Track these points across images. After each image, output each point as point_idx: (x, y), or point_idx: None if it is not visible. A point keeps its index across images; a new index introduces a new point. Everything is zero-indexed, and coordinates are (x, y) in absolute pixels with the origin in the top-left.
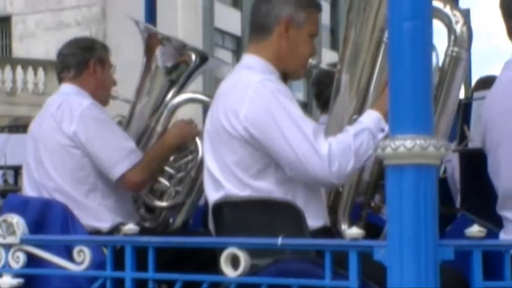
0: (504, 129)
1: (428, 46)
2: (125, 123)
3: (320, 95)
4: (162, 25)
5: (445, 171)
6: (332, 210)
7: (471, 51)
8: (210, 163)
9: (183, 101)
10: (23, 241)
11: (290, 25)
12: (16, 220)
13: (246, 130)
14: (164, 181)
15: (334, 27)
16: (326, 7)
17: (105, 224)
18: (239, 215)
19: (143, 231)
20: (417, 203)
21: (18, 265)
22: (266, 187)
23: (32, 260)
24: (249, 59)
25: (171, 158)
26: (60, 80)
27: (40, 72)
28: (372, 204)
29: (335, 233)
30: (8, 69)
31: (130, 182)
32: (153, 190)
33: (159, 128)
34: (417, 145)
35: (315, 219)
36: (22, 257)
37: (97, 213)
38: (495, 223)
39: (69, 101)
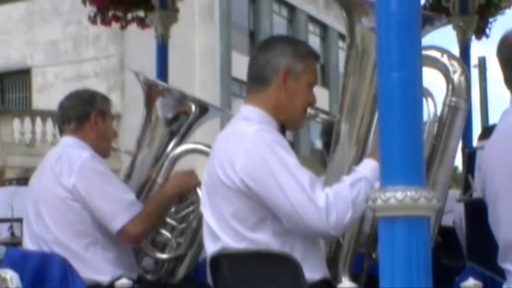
0: (502, 181)
1: (417, 96)
2: (126, 175)
3: (329, 145)
4: (179, 74)
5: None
6: (333, 262)
7: (471, 100)
8: (207, 215)
9: (184, 152)
10: None
11: (288, 76)
12: (10, 276)
13: (242, 181)
14: (165, 232)
15: (325, 64)
16: (316, 41)
17: (105, 277)
18: (236, 267)
19: (145, 284)
20: (409, 256)
21: None
22: (263, 239)
23: None
24: (247, 109)
25: (172, 209)
26: (61, 132)
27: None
28: (374, 256)
29: (334, 286)
30: (27, 121)
31: (130, 234)
32: (155, 242)
33: (160, 180)
34: (408, 196)
35: (313, 272)
36: None
37: (97, 266)
38: (502, 274)
39: (68, 154)
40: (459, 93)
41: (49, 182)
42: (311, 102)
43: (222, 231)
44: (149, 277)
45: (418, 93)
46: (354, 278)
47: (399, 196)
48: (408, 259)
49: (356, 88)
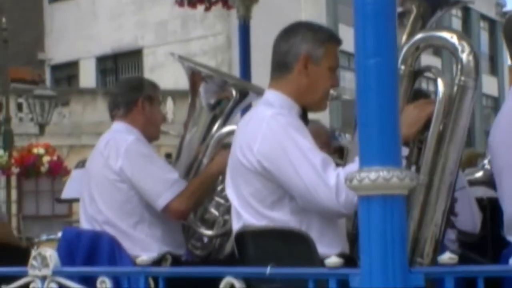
0: (505, 157)
1: (393, 81)
2: (175, 156)
3: None
4: None
5: None
6: (355, 237)
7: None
8: (231, 195)
9: (227, 133)
10: (55, 273)
11: (309, 61)
12: (50, 253)
13: (259, 163)
14: (213, 210)
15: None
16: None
17: (151, 253)
18: (257, 243)
19: (196, 260)
20: (384, 232)
21: None
22: (281, 217)
23: None
24: (269, 94)
25: (219, 188)
26: (112, 118)
27: (169, 101)
28: None
29: (354, 260)
30: None
31: (175, 211)
32: (204, 219)
33: (205, 160)
34: (380, 177)
35: (331, 247)
36: (55, 287)
37: (144, 243)
38: None
39: (115, 138)
40: (468, 73)
41: (99, 166)
42: (333, 85)
43: (244, 209)
44: (198, 252)
45: (394, 78)
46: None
47: (372, 176)
48: (384, 236)
49: None
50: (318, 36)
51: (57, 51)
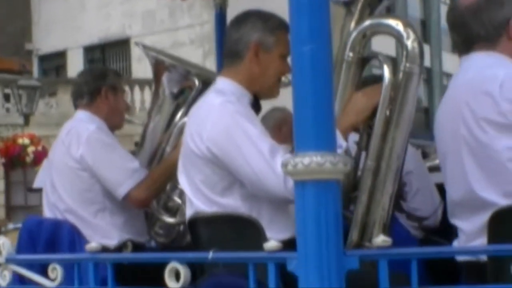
0: (447, 142)
1: (327, 68)
2: (139, 143)
3: None
4: None
5: None
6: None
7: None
8: (182, 182)
9: None
10: (8, 260)
11: (259, 49)
12: (2, 241)
13: (208, 149)
14: (176, 198)
15: (426, 19)
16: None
17: (112, 241)
18: (209, 230)
19: (157, 248)
20: (318, 217)
21: (5, 282)
22: (232, 203)
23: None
24: (221, 82)
25: None
26: (76, 107)
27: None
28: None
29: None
30: (126, 90)
31: (135, 199)
32: (167, 207)
33: (168, 148)
34: (313, 162)
35: (281, 232)
36: (8, 275)
37: (104, 231)
38: None
39: (77, 127)
40: (413, 59)
41: (61, 154)
42: (285, 72)
43: (195, 196)
44: (161, 240)
45: (328, 65)
46: None
47: (306, 161)
48: (317, 220)
49: None
50: (269, 24)
51: (44, 41)
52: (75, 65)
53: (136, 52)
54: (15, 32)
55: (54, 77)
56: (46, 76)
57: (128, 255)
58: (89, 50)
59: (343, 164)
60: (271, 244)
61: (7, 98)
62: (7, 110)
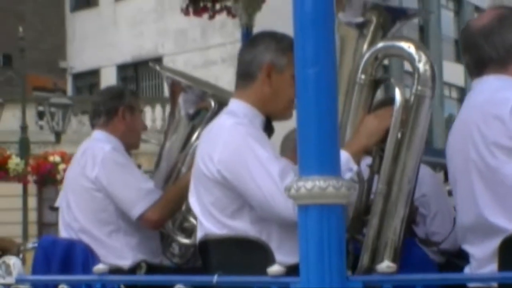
0: (458, 166)
1: (332, 90)
2: (155, 164)
3: None
4: None
5: None
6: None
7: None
8: (193, 204)
9: None
10: (18, 281)
11: (272, 70)
12: (13, 262)
13: (219, 172)
14: (192, 219)
15: (424, 24)
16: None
17: (125, 262)
18: (218, 252)
19: (172, 268)
20: (321, 241)
21: None
22: (242, 226)
23: None
24: (233, 104)
25: None
26: (93, 126)
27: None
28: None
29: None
30: (158, 108)
31: (149, 220)
32: (183, 228)
33: (184, 169)
34: (316, 186)
35: (289, 256)
36: None
37: (118, 251)
38: None
39: (93, 147)
40: (424, 82)
41: (76, 174)
42: None
43: (205, 218)
44: (176, 260)
45: (333, 88)
46: None
47: (308, 185)
48: (321, 245)
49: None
50: (281, 45)
51: (78, 59)
52: (108, 83)
53: None
54: (50, 49)
55: (87, 95)
56: (80, 94)
57: (132, 277)
58: (122, 68)
59: (347, 188)
60: (275, 268)
61: (40, 115)
62: (41, 127)
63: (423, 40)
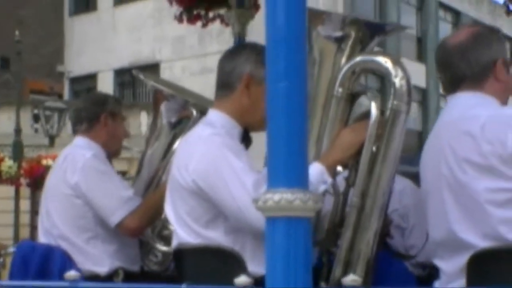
0: (429, 181)
1: (302, 105)
2: (136, 171)
3: None
4: None
5: None
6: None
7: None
8: (169, 213)
9: None
10: None
11: (251, 81)
12: None
13: (194, 182)
14: (171, 227)
15: (422, 36)
16: (412, 12)
17: (102, 268)
18: (192, 261)
19: (149, 275)
20: (287, 253)
21: None
22: (216, 236)
23: None
24: (212, 114)
25: None
26: (75, 132)
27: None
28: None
29: None
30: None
31: (127, 228)
32: (162, 236)
33: (164, 177)
34: (283, 198)
35: (263, 267)
36: None
37: (96, 258)
38: None
39: (73, 153)
40: (400, 97)
41: (56, 180)
42: None
43: (180, 227)
44: (155, 268)
45: (302, 102)
46: (315, 271)
47: (276, 198)
48: (287, 257)
49: (314, 92)
50: (261, 57)
51: (76, 63)
52: (105, 88)
53: (166, 76)
54: (48, 54)
55: None
56: (77, 98)
57: (104, 284)
58: (119, 73)
59: (314, 201)
60: (242, 279)
61: (36, 119)
62: (36, 130)
63: (420, 52)
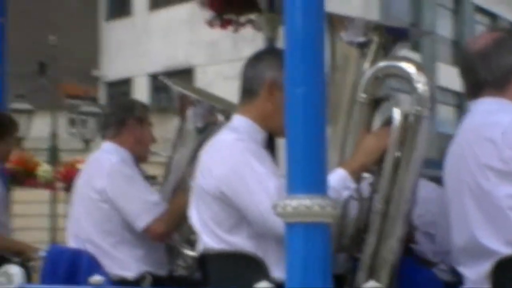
0: (452, 187)
1: (320, 110)
2: (164, 176)
3: None
4: None
5: None
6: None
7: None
8: (193, 218)
9: None
10: None
11: (274, 87)
12: (15, 271)
13: (217, 187)
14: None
15: (458, 40)
16: (448, 15)
17: (130, 273)
18: (216, 266)
19: (177, 279)
20: (305, 259)
21: None
22: (239, 241)
23: None
24: (236, 119)
25: None
26: (103, 137)
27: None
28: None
29: None
30: None
31: (154, 232)
32: (190, 240)
33: (190, 182)
34: (302, 204)
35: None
36: None
37: (123, 262)
38: None
39: (100, 158)
40: (422, 102)
41: (84, 184)
42: None
43: (204, 232)
44: (183, 272)
45: (321, 107)
46: (339, 278)
47: (294, 203)
48: (305, 263)
49: (338, 98)
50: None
51: (111, 68)
52: (140, 92)
53: (200, 81)
54: (84, 58)
55: None
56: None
57: None
58: (154, 78)
59: (332, 207)
60: (262, 284)
61: (72, 123)
62: (72, 135)
63: (456, 55)
